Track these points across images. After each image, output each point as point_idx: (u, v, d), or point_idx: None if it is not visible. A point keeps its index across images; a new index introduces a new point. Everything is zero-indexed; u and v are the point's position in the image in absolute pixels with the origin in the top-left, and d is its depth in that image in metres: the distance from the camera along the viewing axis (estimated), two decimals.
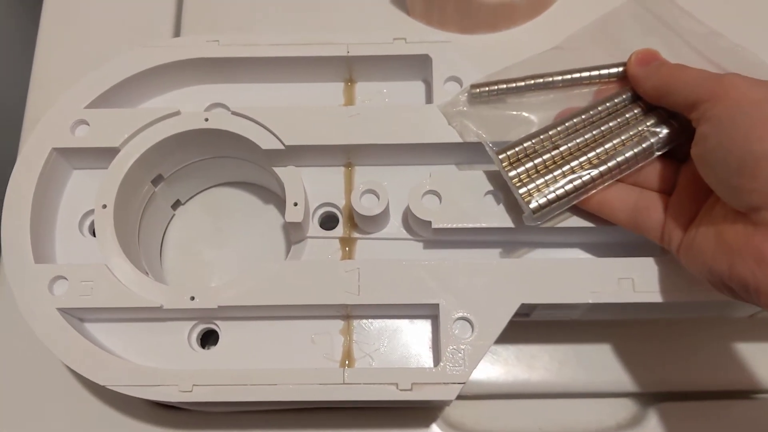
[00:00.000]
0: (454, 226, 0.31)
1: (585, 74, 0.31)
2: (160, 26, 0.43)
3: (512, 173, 0.30)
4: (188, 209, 0.39)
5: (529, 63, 0.33)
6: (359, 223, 0.33)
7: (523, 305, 0.30)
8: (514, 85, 0.32)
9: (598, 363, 0.35)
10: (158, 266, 0.37)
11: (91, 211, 0.33)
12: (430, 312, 0.31)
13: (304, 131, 0.32)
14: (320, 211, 0.34)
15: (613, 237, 0.32)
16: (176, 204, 0.38)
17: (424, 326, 0.31)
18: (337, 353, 0.31)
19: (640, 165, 0.29)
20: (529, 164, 0.30)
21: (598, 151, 0.29)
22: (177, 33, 0.43)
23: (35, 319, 0.30)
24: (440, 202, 0.31)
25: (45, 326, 0.30)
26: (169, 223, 0.39)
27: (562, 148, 0.30)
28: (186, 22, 0.43)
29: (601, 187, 0.29)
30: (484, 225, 0.31)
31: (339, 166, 0.34)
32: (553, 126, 0.30)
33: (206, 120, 0.33)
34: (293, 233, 0.33)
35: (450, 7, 0.40)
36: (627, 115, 0.30)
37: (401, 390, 0.28)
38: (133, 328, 0.32)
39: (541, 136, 0.30)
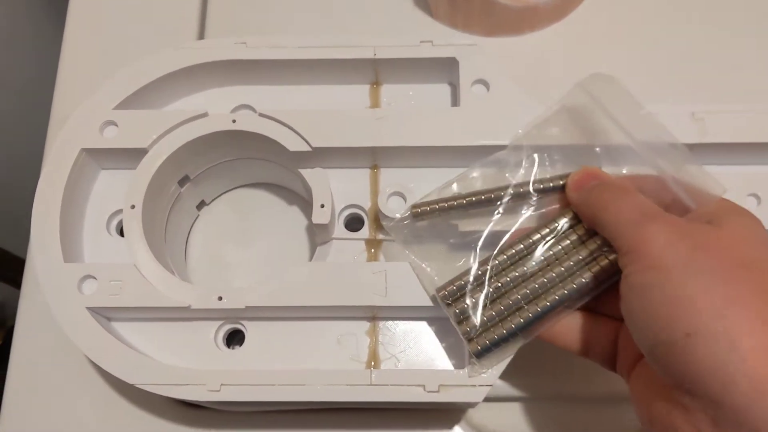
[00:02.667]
0: (481, 229, 0.31)
1: (527, 189, 0.30)
2: (184, 28, 0.43)
3: (452, 311, 0.28)
4: (213, 210, 0.39)
5: (470, 176, 0.31)
6: (386, 225, 0.33)
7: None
8: (454, 203, 0.30)
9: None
10: (183, 266, 0.37)
11: (119, 212, 0.34)
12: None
13: (330, 133, 0.32)
14: (346, 213, 0.34)
15: None
16: (201, 204, 0.39)
17: (449, 328, 0.31)
18: (363, 354, 0.31)
19: (588, 297, 0.28)
20: (469, 301, 0.28)
21: (544, 280, 0.28)
22: (201, 35, 0.43)
23: (65, 318, 0.30)
24: None
25: (74, 325, 0.30)
26: (193, 224, 0.39)
27: (506, 278, 0.28)
28: (210, 25, 0.43)
29: (550, 323, 0.28)
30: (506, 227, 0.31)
31: (365, 168, 0.34)
32: (497, 254, 0.29)
33: (233, 122, 0.33)
34: (319, 234, 0.33)
35: (474, 9, 0.40)
36: (573, 238, 0.28)
37: (428, 392, 0.28)
38: (160, 327, 0.32)
39: (481, 269, 0.29)
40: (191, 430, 0.35)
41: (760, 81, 0.37)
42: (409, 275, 0.30)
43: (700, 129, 0.31)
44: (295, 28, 0.43)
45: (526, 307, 0.28)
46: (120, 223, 0.34)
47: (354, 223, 0.34)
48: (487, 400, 0.34)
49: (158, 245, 0.34)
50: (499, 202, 0.30)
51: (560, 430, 0.35)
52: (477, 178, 0.31)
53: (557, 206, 0.30)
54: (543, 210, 0.30)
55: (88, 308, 0.30)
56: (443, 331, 0.31)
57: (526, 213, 0.30)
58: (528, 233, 0.29)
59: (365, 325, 0.32)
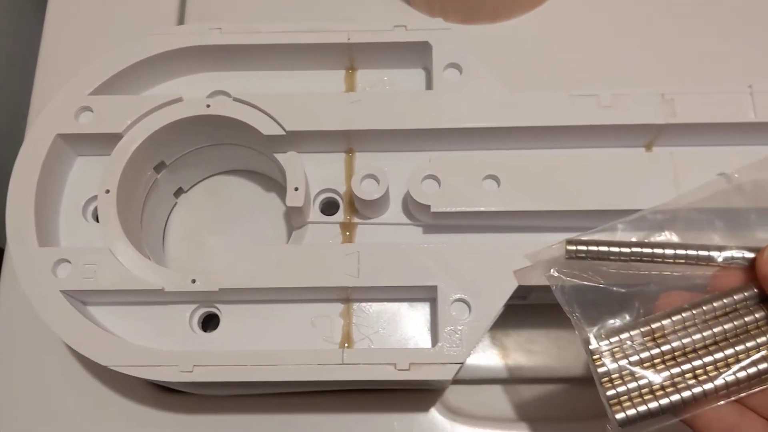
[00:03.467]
0: (453, 210, 0.31)
1: (703, 253, 0.27)
2: (163, 15, 0.43)
3: (602, 369, 0.25)
4: (190, 197, 0.39)
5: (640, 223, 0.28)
6: (360, 208, 0.33)
7: (520, 287, 0.30)
8: (617, 249, 0.27)
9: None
10: (161, 254, 0.38)
11: (95, 197, 0.34)
12: (429, 295, 0.31)
13: (305, 117, 0.33)
14: (321, 197, 0.34)
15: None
16: (179, 192, 0.39)
17: (422, 309, 0.32)
18: (337, 336, 0.31)
19: (761, 387, 0.25)
20: (623, 362, 0.25)
21: (716, 357, 0.25)
22: (181, 21, 0.43)
23: (39, 301, 0.30)
24: (439, 186, 0.31)
25: (49, 308, 0.30)
26: (171, 211, 0.39)
27: (669, 345, 0.25)
28: (190, 11, 0.43)
29: (706, 408, 0.25)
30: (482, 209, 0.31)
31: (340, 152, 0.34)
32: (658, 318, 0.26)
33: (208, 106, 0.33)
34: (294, 218, 0.33)
35: None
36: (747, 319, 0.25)
37: (399, 370, 0.29)
38: (136, 311, 0.32)
39: (641, 329, 0.26)
40: (169, 414, 0.35)
41: (731, 63, 0.38)
42: (381, 256, 0.31)
43: (669, 110, 0.32)
44: (271, 15, 0.43)
45: (689, 382, 0.25)
46: (96, 209, 0.34)
47: (330, 208, 0.34)
48: (460, 382, 0.35)
49: (134, 231, 0.34)
50: (668, 260, 0.27)
51: (537, 410, 0.35)
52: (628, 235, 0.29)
53: (735, 275, 0.27)
54: (717, 278, 0.27)
55: (63, 291, 0.30)
56: (416, 312, 0.31)
57: (698, 279, 0.27)
58: (700, 301, 0.26)
59: (339, 306, 0.32)
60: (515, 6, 0.41)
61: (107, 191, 0.32)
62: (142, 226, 0.35)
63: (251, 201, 0.39)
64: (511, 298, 0.30)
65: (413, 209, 0.33)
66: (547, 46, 0.41)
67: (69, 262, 0.31)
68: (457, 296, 0.30)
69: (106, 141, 0.33)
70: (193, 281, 0.31)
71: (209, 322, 0.33)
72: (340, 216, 0.34)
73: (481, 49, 0.40)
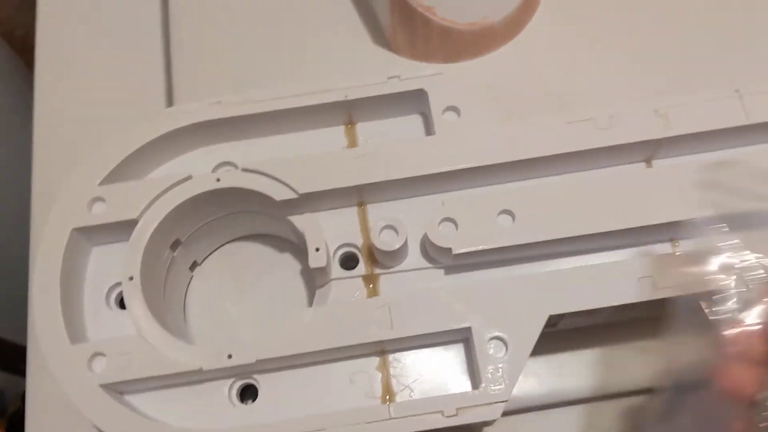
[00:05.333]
0: (474, 249, 0.32)
1: None
2: (152, 96, 0.43)
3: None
4: (205, 269, 0.40)
5: None
6: (380, 259, 0.33)
7: (551, 317, 0.30)
8: None
9: (626, 363, 0.36)
10: (184, 329, 0.38)
11: (116, 285, 0.34)
12: (462, 336, 0.31)
13: (315, 177, 0.33)
14: (340, 252, 0.35)
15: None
16: (193, 265, 0.39)
17: (456, 350, 0.32)
18: (377, 390, 0.32)
19: None
20: None
21: None
22: (170, 101, 0.43)
23: (80, 399, 0.30)
24: (456, 228, 0.32)
25: (90, 404, 0.30)
26: (189, 285, 0.39)
27: None
28: (177, 90, 0.43)
29: None
30: (501, 245, 0.32)
31: (352, 206, 0.35)
32: None
33: (218, 180, 0.34)
34: (318, 278, 0.34)
35: (433, 38, 0.42)
36: None
37: (447, 416, 0.29)
38: (173, 393, 0.32)
39: None
40: None
41: (715, 69, 0.39)
42: (412, 305, 0.31)
43: (665, 124, 0.33)
44: (258, 83, 0.43)
45: None
46: (118, 295, 0.34)
47: (349, 262, 0.35)
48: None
49: (160, 312, 0.34)
50: None
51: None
52: None
53: None
54: None
55: (102, 385, 0.30)
56: (451, 354, 0.32)
57: None
58: None
59: (375, 360, 0.32)
60: (495, 38, 0.43)
61: (131, 278, 0.32)
62: (165, 307, 0.35)
63: (266, 264, 0.39)
64: (543, 327, 0.31)
65: (433, 253, 0.33)
66: (531, 72, 0.42)
67: (103, 355, 0.31)
68: (493, 334, 0.30)
69: (122, 228, 0.33)
70: (230, 356, 0.31)
71: (247, 392, 0.33)
72: (361, 269, 0.34)
73: (472, 85, 0.41)
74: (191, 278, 0.39)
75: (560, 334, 0.34)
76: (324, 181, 0.33)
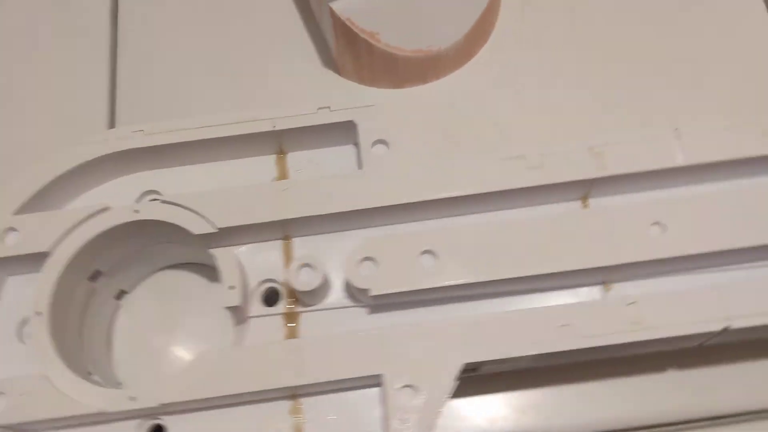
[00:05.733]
0: (392, 291, 0.30)
1: None
2: (94, 119, 0.42)
3: None
4: (135, 297, 0.38)
5: None
6: (301, 297, 0.32)
7: (468, 363, 0.29)
8: None
9: (559, 405, 0.35)
10: (107, 361, 0.36)
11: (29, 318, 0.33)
12: (377, 381, 0.30)
13: (235, 211, 0.32)
14: (262, 288, 0.33)
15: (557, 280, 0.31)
16: (121, 294, 0.38)
17: (373, 395, 0.31)
18: None
19: None
20: None
21: None
22: (112, 124, 0.42)
23: None
24: (377, 267, 0.31)
25: None
26: (115, 315, 0.38)
27: None
28: (120, 113, 0.42)
29: None
30: (422, 287, 0.30)
31: (277, 239, 0.34)
32: None
33: (136, 211, 0.33)
34: (234, 315, 0.32)
35: (378, 65, 0.40)
36: None
37: None
38: None
39: None
40: None
41: (660, 106, 0.38)
42: (324, 349, 0.30)
43: (600, 163, 0.31)
44: (206, 106, 0.42)
45: None
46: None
47: (272, 298, 0.34)
48: None
49: (72, 347, 0.33)
50: None
51: None
52: None
53: None
54: None
55: (1, 426, 0.29)
56: (367, 399, 0.30)
57: None
58: None
59: (288, 404, 0.31)
60: (442, 65, 0.41)
61: (38, 313, 0.31)
62: (82, 339, 0.34)
63: (197, 294, 0.38)
64: (463, 372, 0.30)
65: (355, 292, 0.32)
66: (478, 102, 0.41)
67: (3, 394, 0.30)
68: (404, 382, 0.29)
69: (35, 260, 0.32)
70: (133, 399, 0.30)
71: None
72: (282, 306, 0.33)
73: (415, 112, 0.40)
74: (119, 308, 0.38)
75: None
76: (244, 215, 0.32)
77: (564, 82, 0.39)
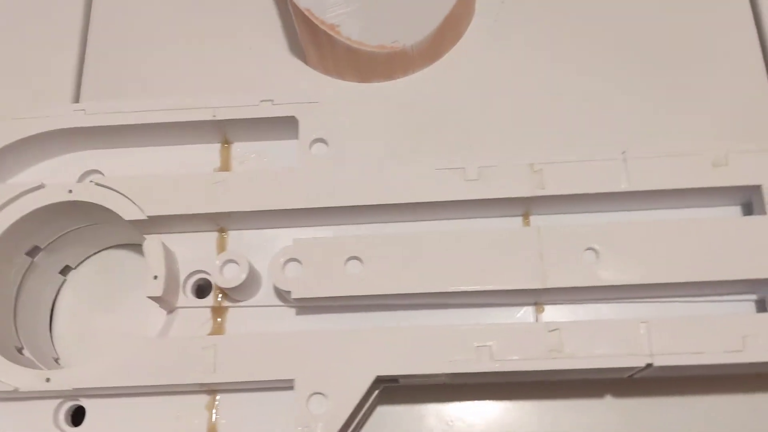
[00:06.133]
0: (313, 296, 0.30)
1: None
2: (59, 91, 0.42)
3: None
4: (81, 273, 0.38)
5: None
6: (228, 292, 0.32)
7: (379, 376, 0.29)
8: None
9: (490, 420, 0.34)
10: (45, 336, 0.37)
11: None
12: (291, 385, 0.30)
13: (165, 200, 0.32)
14: (192, 279, 0.33)
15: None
16: (66, 269, 0.38)
17: (288, 397, 0.30)
18: (203, 429, 0.30)
19: None
20: None
21: None
22: (76, 98, 0.42)
23: None
24: (302, 270, 0.30)
25: None
26: (60, 289, 0.38)
27: None
28: (85, 87, 0.42)
29: None
30: (344, 293, 0.30)
31: (212, 231, 0.33)
32: None
33: (70, 191, 0.32)
34: (161, 305, 0.32)
35: (341, 57, 0.39)
36: None
37: None
38: (3, 407, 0.31)
39: None
40: None
41: (616, 128, 0.36)
42: (240, 349, 0.30)
43: (538, 181, 0.30)
44: (171, 88, 0.41)
45: None
46: None
47: (203, 290, 0.33)
48: None
49: (1, 322, 0.33)
50: None
51: None
52: None
53: None
54: None
55: None
56: (282, 401, 0.30)
57: None
58: None
59: (204, 398, 0.31)
60: (409, 63, 0.40)
61: None
62: (16, 314, 0.34)
63: (142, 275, 0.38)
64: (384, 382, 0.29)
65: (282, 292, 0.31)
66: (443, 103, 0.40)
67: None
68: (314, 389, 0.28)
69: None
70: (48, 380, 0.30)
71: (81, 414, 0.32)
72: (211, 299, 0.33)
73: (378, 108, 0.39)
74: (64, 281, 0.38)
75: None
76: (174, 205, 0.32)
77: (525, 93, 0.38)
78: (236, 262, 0.31)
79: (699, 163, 0.30)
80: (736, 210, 0.32)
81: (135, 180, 0.32)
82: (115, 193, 0.32)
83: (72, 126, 0.33)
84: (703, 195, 0.31)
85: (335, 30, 0.38)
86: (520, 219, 0.32)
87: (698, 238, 0.30)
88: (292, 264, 0.31)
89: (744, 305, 0.31)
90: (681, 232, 0.30)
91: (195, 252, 0.33)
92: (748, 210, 0.32)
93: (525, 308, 0.31)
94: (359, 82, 0.41)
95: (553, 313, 0.31)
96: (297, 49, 0.42)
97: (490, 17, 0.42)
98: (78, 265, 0.39)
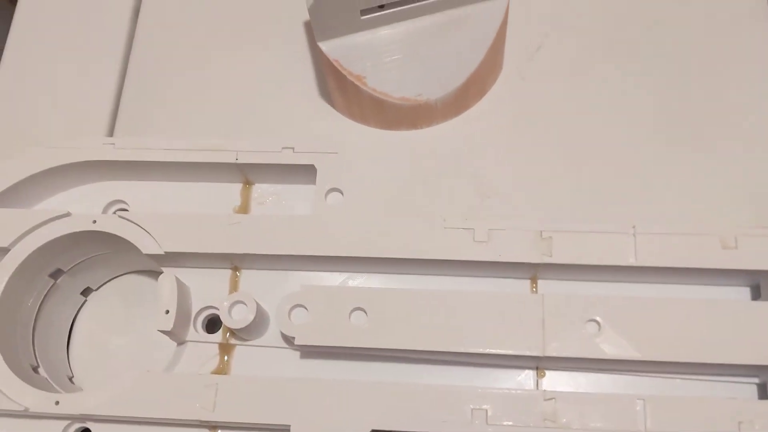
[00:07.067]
0: (317, 344, 0.31)
1: None
2: (95, 123, 0.43)
3: None
4: (101, 295, 0.40)
5: None
6: (236, 332, 0.33)
7: (375, 431, 0.29)
8: None
9: None
10: (63, 354, 0.38)
11: None
12: (287, 430, 0.30)
13: (183, 237, 0.33)
14: (204, 314, 0.34)
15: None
16: (87, 290, 0.39)
17: None
18: None
19: None
20: None
21: None
22: (111, 131, 0.43)
23: None
24: (308, 317, 0.31)
25: None
26: (80, 310, 0.40)
27: None
28: (120, 122, 0.43)
29: None
30: (347, 344, 0.30)
31: (226, 269, 0.35)
32: None
33: (94, 222, 0.34)
34: (171, 337, 0.33)
35: (366, 106, 0.40)
36: None
37: None
38: (7, 423, 0.32)
39: None
40: None
41: (621, 203, 0.36)
42: (240, 390, 0.30)
43: (546, 248, 0.31)
44: (205, 127, 0.42)
45: None
46: None
47: (213, 326, 0.34)
48: None
49: (19, 340, 0.34)
50: None
51: None
52: None
53: None
54: None
55: None
56: None
57: None
58: None
59: None
60: (433, 115, 0.41)
61: None
62: (35, 333, 0.36)
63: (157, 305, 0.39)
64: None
65: (287, 336, 0.32)
66: (465, 156, 0.40)
67: None
68: None
69: None
70: (57, 403, 0.31)
71: None
72: (220, 336, 0.33)
73: (401, 156, 0.40)
74: (84, 302, 0.40)
75: None
76: (192, 242, 0.33)
77: (542, 156, 0.38)
78: (245, 303, 0.32)
79: (708, 243, 0.30)
80: (744, 291, 0.32)
81: (156, 216, 0.33)
82: (136, 226, 0.33)
83: (100, 159, 0.35)
84: (711, 275, 0.31)
85: (361, 81, 0.39)
86: (527, 281, 0.33)
87: (703, 319, 0.30)
88: (298, 309, 0.31)
89: (745, 388, 0.30)
90: (686, 312, 0.30)
91: (208, 288, 0.34)
92: (757, 292, 0.31)
93: (526, 371, 0.32)
94: (383, 129, 0.42)
95: (553, 378, 0.31)
96: (325, 93, 0.43)
97: (517, 74, 0.42)
98: (99, 287, 0.40)
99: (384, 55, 0.38)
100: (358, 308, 0.31)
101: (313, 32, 0.38)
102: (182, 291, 0.33)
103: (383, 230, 0.32)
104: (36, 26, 0.46)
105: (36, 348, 0.36)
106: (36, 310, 0.36)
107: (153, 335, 0.38)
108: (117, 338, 0.39)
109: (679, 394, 0.30)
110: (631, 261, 0.30)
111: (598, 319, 0.30)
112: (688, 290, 0.32)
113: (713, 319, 0.29)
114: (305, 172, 0.35)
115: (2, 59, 0.47)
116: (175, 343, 0.35)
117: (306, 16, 0.44)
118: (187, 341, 0.34)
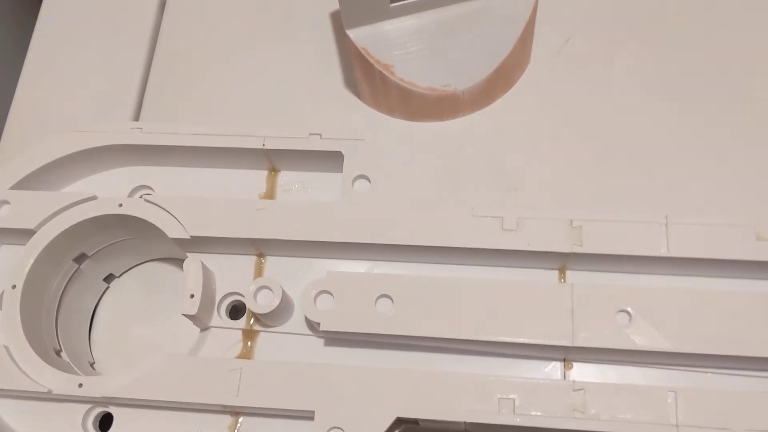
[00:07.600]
0: (342, 330, 0.30)
1: None
2: (121, 107, 0.43)
3: None
4: (123, 282, 0.40)
5: None
6: (260, 317, 0.33)
7: (400, 418, 0.29)
8: None
9: None
10: (84, 339, 0.38)
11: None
12: (311, 416, 0.30)
13: (209, 222, 0.33)
14: (228, 300, 0.34)
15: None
16: (110, 277, 0.39)
17: (308, 428, 0.31)
18: None
19: None
20: None
21: None
22: (137, 116, 0.43)
23: None
24: (333, 303, 0.31)
25: None
26: (102, 296, 0.40)
27: None
28: (146, 106, 0.43)
29: None
30: (372, 331, 0.30)
31: (250, 255, 0.34)
32: None
33: (120, 206, 0.34)
34: (194, 323, 0.33)
35: (393, 97, 0.40)
36: None
37: None
38: (33, 406, 0.32)
39: None
40: None
41: (653, 193, 0.36)
42: (264, 375, 0.30)
43: (576, 238, 0.30)
44: (231, 117, 0.42)
45: None
46: None
47: (237, 312, 0.34)
48: None
49: (43, 323, 0.34)
50: None
51: None
52: None
53: None
54: None
55: None
56: (302, 431, 0.31)
57: None
58: None
59: (227, 419, 0.31)
60: (460, 106, 0.41)
61: (13, 287, 0.33)
62: (58, 316, 0.36)
63: (181, 291, 0.39)
64: (404, 423, 0.30)
65: (312, 323, 0.32)
66: (491, 147, 0.40)
67: None
68: (333, 424, 0.29)
69: (22, 234, 0.34)
70: (80, 386, 0.31)
71: (108, 421, 0.33)
72: (244, 322, 0.33)
73: (426, 147, 0.40)
74: (107, 288, 0.40)
75: None
76: (218, 227, 0.33)
77: (571, 146, 0.38)
78: (270, 289, 0.31)
79: (743, 234, 0.30)
80: None
81: (182, 200, 0.33)
82: (162, 210, 0.33)
83: (128, 143, 0.35)
84: (744, 267, 0.30)
85: (389, 70, 0.39)
86: (555, 272, 0.32)
87: (735, 311, 0.29)
88: (324, 296, 0.31)
89: None
90: (718, 304, 0.29)
91: (233, 273, 0.34)
92: None
93: (553, 363, 0.31)
94: (408, 120, 0.42)
95: (581, 370, 0.31)
96: (351, 83, 0.43)
97: (545, 67, 0.42)
98: (122, 274, 0.40)
99: (412, 44, 0.38)
100: (384, 295, 0.31)
101: (340, 22, 0.38)
102: (207, 276, 0.33)
103: (411, 218, 0.32)
104: (65, 13, 0.47)
105: (59, 331, 0.36)
106: (60, 295, 0.36)
107: (174, 324, 0.38)
108: (138, 326, 0.39)
109: (711, 388, 0.29)
110: (663, 252, 0.30)
111: (629, 309, 0.29)
112: (719, 283, 0.31)
113: (746, 312, 0.29)
114: (332, 160, 0.35)
115: (31, 45, 0.47)
116: (198, 330, 0.34)
117: (333, 7, 0.44)
118: (211, 327, 0.33)
